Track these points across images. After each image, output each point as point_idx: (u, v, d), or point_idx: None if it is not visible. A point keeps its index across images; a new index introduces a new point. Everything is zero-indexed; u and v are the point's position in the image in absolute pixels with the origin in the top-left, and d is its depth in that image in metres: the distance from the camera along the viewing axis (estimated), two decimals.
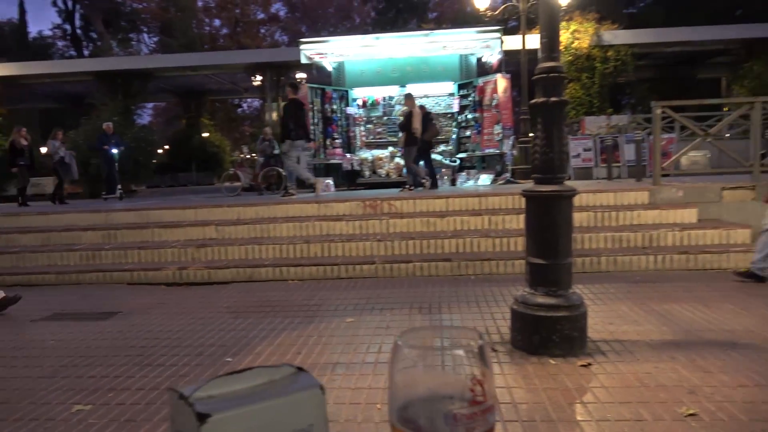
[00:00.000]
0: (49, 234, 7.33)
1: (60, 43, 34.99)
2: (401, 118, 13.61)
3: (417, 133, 9.42)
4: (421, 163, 10.11)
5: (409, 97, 9.99)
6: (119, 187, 11.73)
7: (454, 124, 13.44)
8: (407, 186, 9.57)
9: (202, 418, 0.47)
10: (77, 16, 33.49)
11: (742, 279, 5.00)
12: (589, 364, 3.12)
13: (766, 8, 23.36)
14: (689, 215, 6.50)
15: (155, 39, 34.95)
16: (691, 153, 9.33)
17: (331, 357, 3.48)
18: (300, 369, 0.54)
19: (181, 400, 0.49)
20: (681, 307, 4.24)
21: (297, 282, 5.98)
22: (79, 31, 33.96)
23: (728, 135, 11.60)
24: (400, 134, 9.94)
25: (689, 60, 18.75)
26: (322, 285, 5.76)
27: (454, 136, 13.36)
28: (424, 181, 9.67)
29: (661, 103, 7.23)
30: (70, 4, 33.04)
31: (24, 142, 11.24)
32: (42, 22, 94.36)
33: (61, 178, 11.55)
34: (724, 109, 12.15)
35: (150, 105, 32.91)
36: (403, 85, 13.59)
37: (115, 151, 11.65)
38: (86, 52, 32.45)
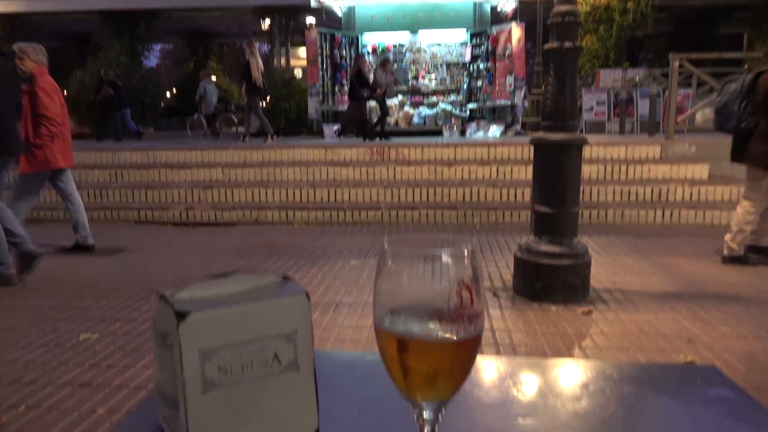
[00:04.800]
0: None
1: None
2: (412, 66, 13.35)
3: (258, 82, 9.26)
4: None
5: (249, 43, 9.80)
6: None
7: (465, 73, 13.12)
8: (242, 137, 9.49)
9: (181, 316, 0.46)
10: None
11: None
12: (590, 312, 3.14)
13: None
14: (700, 171, 6.40)
15: None
16: (707, 109, 9.10)
17: (334, 297, 3.52)
18: (286, 278, 0.53)
19: (162, 300, 0.48)
20: (686, 261, 4.23)
21: (303, 225, 6.01)
22: None
23: None
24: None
25: (710, 14, 17.97)
26: (328, 229, 5.78)
27: (464, 86, 13.07)
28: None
29: (679, 55, 7.02)
30: None
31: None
32: None
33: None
34: (745, 66, 11.71)
35: (157, 47, 32.28)
36: (414, 32, 13.23)
37: None
38: None
